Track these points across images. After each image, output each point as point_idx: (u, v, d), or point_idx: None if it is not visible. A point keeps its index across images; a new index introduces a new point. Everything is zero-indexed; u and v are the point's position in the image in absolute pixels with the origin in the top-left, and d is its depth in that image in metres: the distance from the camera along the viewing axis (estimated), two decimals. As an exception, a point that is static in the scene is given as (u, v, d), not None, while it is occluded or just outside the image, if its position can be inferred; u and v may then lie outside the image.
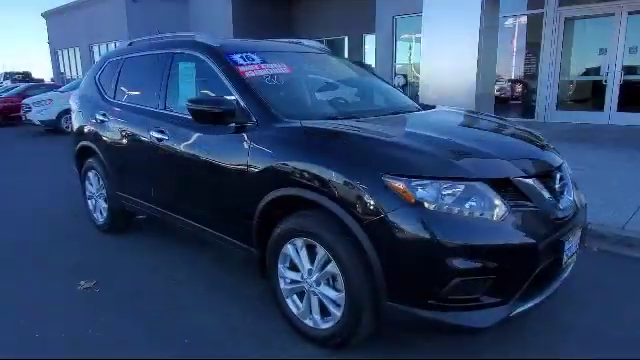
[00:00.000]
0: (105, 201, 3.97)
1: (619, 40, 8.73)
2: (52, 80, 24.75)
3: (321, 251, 2.17)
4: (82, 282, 3.09)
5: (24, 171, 7.26)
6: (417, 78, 11.59)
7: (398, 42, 12.50)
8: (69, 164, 4.65)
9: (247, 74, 2.76)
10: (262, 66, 2.87)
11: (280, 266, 2.41)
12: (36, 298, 2.92)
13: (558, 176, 2.25)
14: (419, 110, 3.15)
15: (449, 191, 1.90)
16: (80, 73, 22.05)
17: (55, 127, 11.85)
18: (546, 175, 2.19)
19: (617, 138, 8.00)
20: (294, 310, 2.39)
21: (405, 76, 12.06)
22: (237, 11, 15.36)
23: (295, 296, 2.40)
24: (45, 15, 24.09)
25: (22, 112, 12.27)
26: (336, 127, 2.35)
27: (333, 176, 2.05)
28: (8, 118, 13.90)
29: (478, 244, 1.86)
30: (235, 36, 14.41)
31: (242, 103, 2.60)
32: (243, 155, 2.48)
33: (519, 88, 11.30)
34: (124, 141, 3.54)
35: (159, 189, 3.32)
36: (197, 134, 2.82)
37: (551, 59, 9.48)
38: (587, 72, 9.72)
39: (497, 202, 1.91)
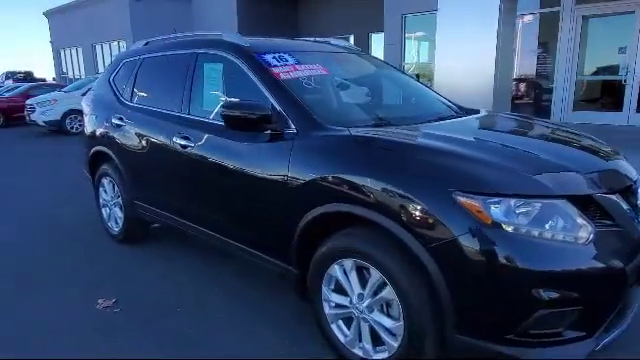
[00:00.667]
0: (120, 209, 3.75)
1: (639, 39, 8.49)
2: (54, 80, 24.52)
3: (375, 274, 1.94)
4: (100, 300, 2.87)
5: (30, 172, 7.02)
6: (424, 77, 11.38)
7: (407, 41, 12.24)
8: (78, 166, 4.43)
9: (282, 76, 2.53)
10: (297, 67, 2.64)
11: (324, 288, 2.18)
12: (54, 320, 2.70)
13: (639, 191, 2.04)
14: (464, 114, 2.90)
15: (528, 209, 1.67)
16: (83, 73, 21.84)
17: (59, 127, 11.67)
18: (626, 190, 1.97)
19: (638, 139, 7.77)
20: (340, 337, 2.16)
21: (418, 76, 11.85)
22: (241, 10, 15.07)
23: (341, 322, 2.18)
24: (47, 14, 23.87)
25: (26, 112, 12.07)
26: (391, 136, 2.12)
27: (393, 192, 1.82)
28: (11, 119, 13.69)
29: (565, 270, 1.64)
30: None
31: (279, 108, 2.37)
32: (282, 166, 2.25)
33: (532, 88, 11.05)
34: (143, 147, 3.30)
35: (182, 199, 3.09)
36: (227, 141, 2.59)
37: (567, 58, 9.25)
38: (605, 71, 9.45)
39: (582, 222, 1.69)
